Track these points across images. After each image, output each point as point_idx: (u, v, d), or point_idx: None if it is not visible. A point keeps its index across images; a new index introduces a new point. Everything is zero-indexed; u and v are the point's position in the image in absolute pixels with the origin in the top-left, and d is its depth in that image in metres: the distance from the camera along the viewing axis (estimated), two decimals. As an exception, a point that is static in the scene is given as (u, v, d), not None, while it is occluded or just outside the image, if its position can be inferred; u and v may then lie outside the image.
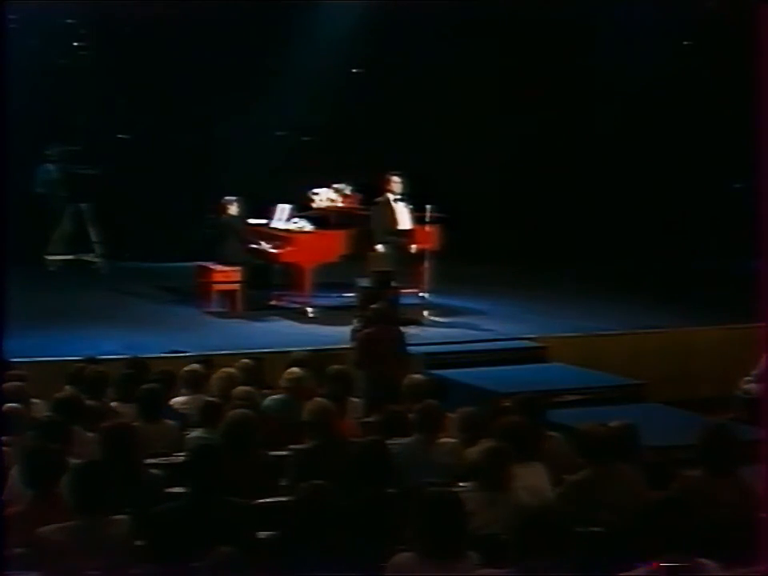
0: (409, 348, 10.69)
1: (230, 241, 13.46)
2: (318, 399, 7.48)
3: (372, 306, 10.42)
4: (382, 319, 10.30)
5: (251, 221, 13.95)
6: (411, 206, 13.29)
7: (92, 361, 9.38)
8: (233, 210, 13.67)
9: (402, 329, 10.64)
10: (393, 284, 12.00)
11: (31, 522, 5.33)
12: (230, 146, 16.20)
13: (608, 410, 8.91)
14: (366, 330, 10.27)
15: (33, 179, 15.29)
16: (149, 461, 6.62)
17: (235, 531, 5.44)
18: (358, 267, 13.06)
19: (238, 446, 6.60)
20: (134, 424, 6.85)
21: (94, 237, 15.35)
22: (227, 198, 13.70)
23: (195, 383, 8.51)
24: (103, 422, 6.89)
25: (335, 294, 13.53)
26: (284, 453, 7.05)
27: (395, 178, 13.24)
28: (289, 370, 8.55)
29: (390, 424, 7.20)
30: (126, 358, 9.41)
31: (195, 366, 8.76)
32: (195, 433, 7.34)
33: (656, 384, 10.94)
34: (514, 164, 17.33)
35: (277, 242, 13.47)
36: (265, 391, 8.51)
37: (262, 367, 9.01)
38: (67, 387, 8.24)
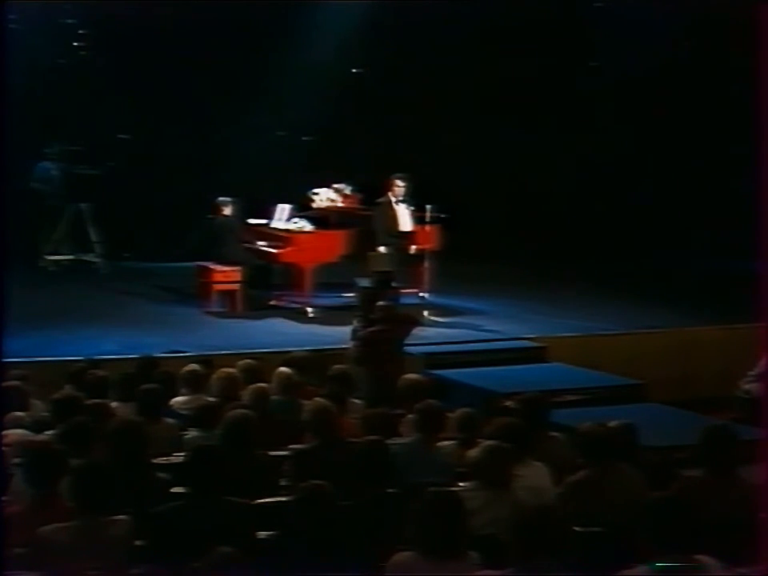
0: (409, 348, 10.70)
1: (228, 241, 13.46)
2: (318, 399, 7.49)
3: (379, 305, 10.42)
4: (388, 319, 10.31)
5: (251, 221, 13.95)
6: (413, 208, 13.29)
7: (92, 361, 9.39)
8: (227, 210, 13.66)
9: (408, 327, 10.67)
10: (393, 284, 12.00)
11: (31, 522, 5.33)
12: (230, 145, 16.20)
13: (608, 410, 8.91)
14: (371, 329, 10.27)
15: (32, 178, 15.28)
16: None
17: (235, 531, 5.44)
18: (358, 267, 13.06)
19: (238, 446, 6.61)
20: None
21: (94, 237, 15.34)
22: (221, 198, 13.70)
23: (195, 383, 8.51)
24: (104, 422, 6.90)
25: (335, 294, 13.52)
26: (284, 453, 7.05)
27: (399, 182, 13.23)
28: (277, 371, 8.56)
29: (379, 425, 7.19)
30: (137, 357, 9.40)
31: (195, 365, 8.76)
32: (192, 433, 7.35)
33: (656, 384, 10.93)
34: (514, 164, 17.33)
35: (277, 242, 13.47)
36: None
37: (262, 367, 9.01)
38: (67, 387, 8.26)
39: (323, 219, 13.84)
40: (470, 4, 16.03)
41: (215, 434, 6.91)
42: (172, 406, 8.19)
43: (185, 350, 10.91)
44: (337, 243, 13.40)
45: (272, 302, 13.61)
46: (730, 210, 15.72)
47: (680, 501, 4.99)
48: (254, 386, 8.06)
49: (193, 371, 8.62)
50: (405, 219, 13.33)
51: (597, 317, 13.35)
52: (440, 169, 16.48)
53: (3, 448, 6.36)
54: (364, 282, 12.26)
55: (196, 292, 13.59)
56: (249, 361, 8.99)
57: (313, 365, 9.13)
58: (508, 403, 7.87)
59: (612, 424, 6.81)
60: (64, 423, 6.75)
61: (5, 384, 7.35)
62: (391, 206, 13.30)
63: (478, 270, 15.64)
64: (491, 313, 13.68)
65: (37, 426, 7.24)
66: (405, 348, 10.57)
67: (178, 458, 6.74)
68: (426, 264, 13.08)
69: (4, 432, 6.70)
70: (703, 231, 16.90)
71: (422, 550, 4.96)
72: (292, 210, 13.76)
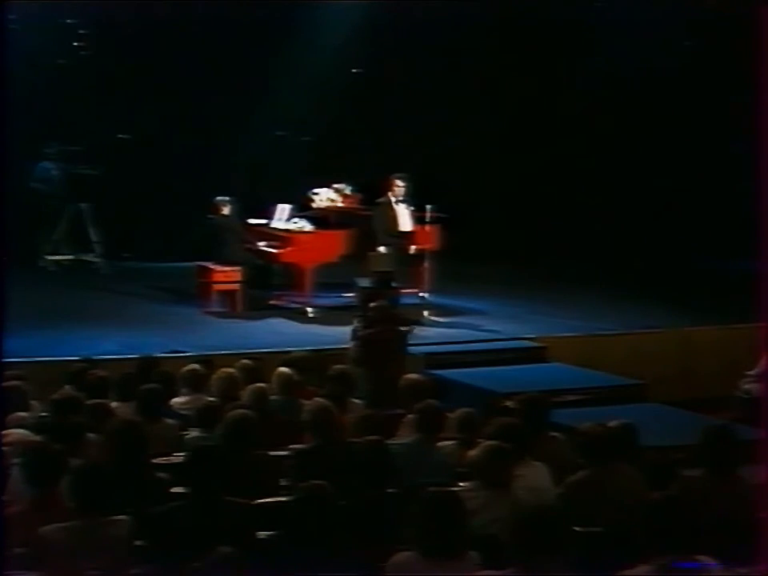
0: (409, 348, 10.70)
1: (228, 241, 13.46)
2: (318, 399, 7.49)
3: (373, 305, 10.42)
4: (385, 319, 10.31)
5: (251, 221, 13.95)
6: (412, 208, 13.30)
7: (92, 361, 9.39)
8: (226, 210, 13.66)
9: (403, 329, 10.66)
10: (393, 284, 12.00)
11: (31, 522, 5.33)
12: (230, 145, 16.20)
13: (608, 410, 8.91)
14: (369, 330, 10.27)
15: (31, 178, 15.28)
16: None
17: (235, 531, 5.44)
18: (358, 267, 13.06)
19: (238, 446, 6.61)
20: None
21: (93, 237, 15.34)
22: (220, 198, 13.69)
23: (195, 383, 8.51)
24: (105, 422, 6.90)
25: (335, 294, 13.52)
26: (284, 453, 7.05)
27: (399, 181, 13.24)
28: (277, 371, 8.56)
29: (374, 427, 7.19)
30: (137, 357, 9.40)
31: (195, 365, 8.76)
32: (194, 433, 7.35)
33: (656, 384, 10.94)
34: (515, 164, 17.34)
35: (277, 242, 13.48)
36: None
37: (261, 367, 9.01)
38: (67, 387, 8.25)
39: (323, 219, 13.85)
40: (469, 4, 16.02)
41: (216, 434, 6.91)
42: (172, 406, 8.19)
43: (185, 349, 10.91)
44: (337, 243, 13.40)
45: (272, 302, 13.60)
46: (730, 209, 15.73)
47: (680, 501, 4.99)
48: (252, 386, 8.07)
49: (193, 371, 8.62)
50: (405, 219, 13.33)
51: (597, 317, 13.36)
52: (440, 169, 16.47)
53: (3, 448, 6.36)
54: (364, 282, 12.26)
55: (196, 292, 13.59)
56: (247, 361, 9.00)
57: (313, 365, 9.13)
58: (508, 403, 7.87)
59: (612, 424, 6.81)
60: (56, 423, 6.76)
61: (4, 384, 7.34)
62: (391, 206, 13.30)
63: (478, 270, 15.65)
64: (491, 313, 13.68)
65: (37, 427, 7.23)
66: (405, 348, 10.56)
67: (178, 457, 6.74)
68: (426, 264, 13.08)
69: (4, 432, 6.71)
70: (703, 231, 16.90)
71: (421, 550, 4.96)
72: (292, 210, 13.76)
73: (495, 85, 17.23)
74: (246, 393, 8.00)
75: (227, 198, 13.68)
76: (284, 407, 8.18)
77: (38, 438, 6.80)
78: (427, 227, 13.20)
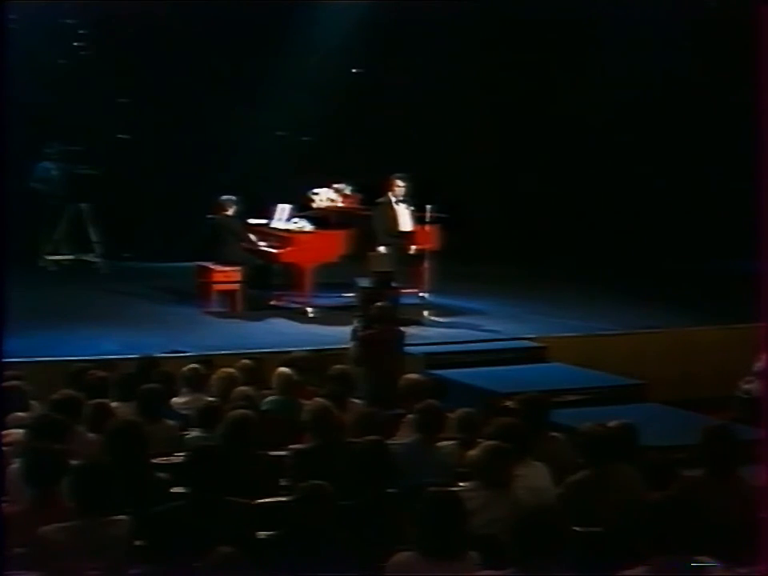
0: (409, 348, 10.70)
1: (229, 241, 13.46)
2: (318, 399, 7.50)
3: (374, 305, 10.42)
4: (385, 319, 10.31)
5: (251, 221, 13.94)
6: (412, 208, 13.30)
7: (92, 361, 9.38)
8: (231, 210, 13.64)
9: (402, 329, 10.66)
10: (393, 284, 12.01)
11: (31, 522, 5.33)
12: (230, 145, 16.19)
13: (608, 410, 8.91)
14: (369, 330, 10.27)
15: (31, 178, 15.27)
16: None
17: (235, 531, 5.44)
18: (358, 267, 13.06)
19: (238, 446, 6.61)
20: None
21: (93, 237, 15.34)
22: (225, 197, 13.67)
23: (195, 383, 8.52)
24: (104, 422, 6.89)
25: (335, 294, 13.52)
26: (284, 453, 7.05)
27: (399, 181, 13.24)
28: (277, 371, 8.55)
29: (372, 426, 7.19)
30: (137, 357, 9.40)
31: (195, 365, 8.76)
32: (194, 433, 7.35)
33: (656, 384, 10.94)
34: (515, 164, 17.34)
35: (277, 242, 13.48)
36: (264, 392, 8.52)
37: (261, 367, 9.01)
38: (67, 387, 8.25)
39: (323, 219, 13.84)
40: (469, 4, 16.02)
41: (216, 434, 6.91)
42: (172, 406, 8.19)
43: (185, 349, 10.91)
44: (337, 243, 13.40)
45: (272, 302, 13.60)
46: (730, 209, 15.72)
47: (680, 501, 4.98)
48: (238, 389, 8.05)
49: (193, 371, 8.63)
50: (405, 219, 13.33)
51: (597, 317, 13.35)
52: (440, 169, 16.47)
53: (3, 448, 6.36)
54: (364, 282, 12.25)
55: (196, 292, 13.59)
56: (247, 361, 9.00)
57: (313, 365, 9.14)
58: (508, 403, 7.87)
59: (612, 424, 6.82)
60: (47, 420, 6.76)
61: (4, 384, 7.34)
62: (391, 206, 13.31)
63: (478, 270, 15.64)
64: (491, 313, 13.68)
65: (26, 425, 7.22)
66: (405, 348, 10.57)
67: (178, 457, 6.74)
68: (426, 264, 13.08)
69: (4, 432, 6.71)
70: (703, 231, 16.89)
71: (422, 550, 4.97)
72: (292, 210, 13.75)
73: (495, 85, 17.22)
74: (233, 396, 7.96)
75: (233, 198, 13.64)
76: (284, 407, 8.18)
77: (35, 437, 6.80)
78: (427, 227, 13.20)
